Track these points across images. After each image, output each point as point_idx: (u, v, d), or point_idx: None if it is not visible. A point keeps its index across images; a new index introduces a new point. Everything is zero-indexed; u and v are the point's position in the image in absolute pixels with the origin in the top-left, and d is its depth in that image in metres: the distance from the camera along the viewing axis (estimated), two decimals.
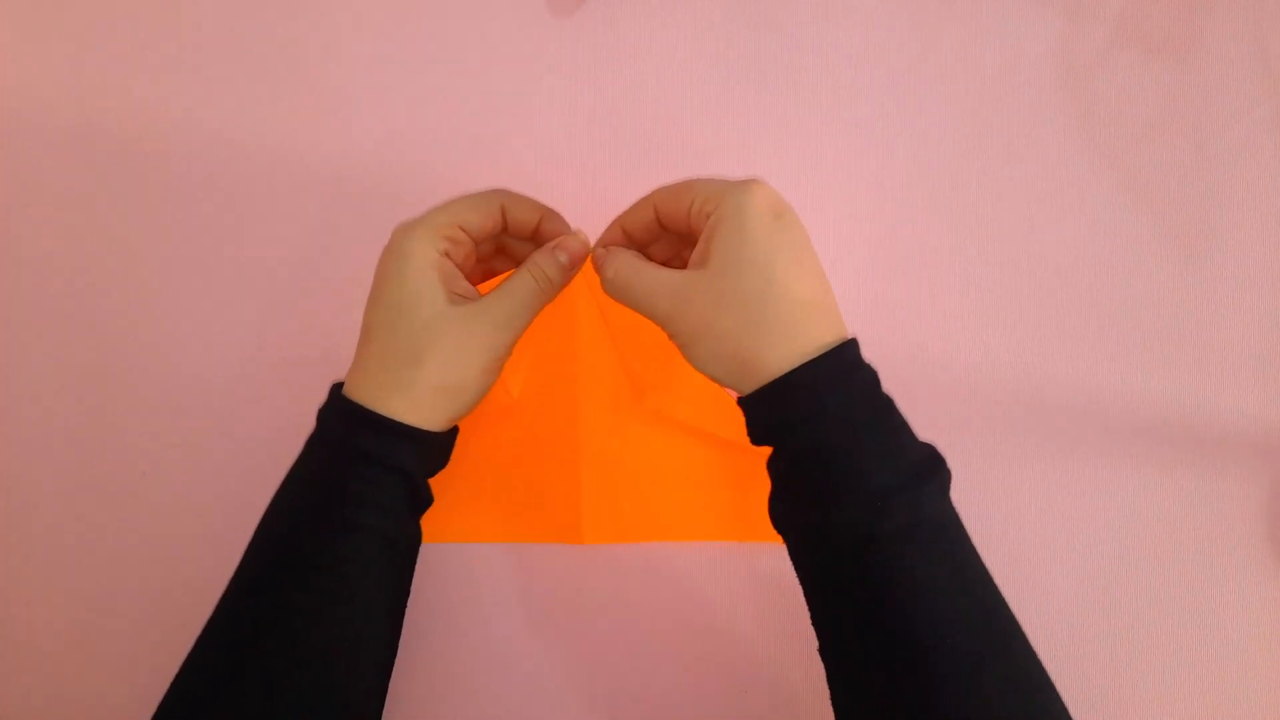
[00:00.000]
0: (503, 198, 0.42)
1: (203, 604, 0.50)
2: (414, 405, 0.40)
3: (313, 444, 0.42)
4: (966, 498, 0.50)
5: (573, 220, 0.50)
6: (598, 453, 0.49)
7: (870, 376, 0.38)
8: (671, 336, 0.40)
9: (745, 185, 0.38)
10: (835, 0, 0.51)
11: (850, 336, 0.38)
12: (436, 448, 0.42)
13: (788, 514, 0.39)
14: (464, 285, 0.42)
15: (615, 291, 0.41)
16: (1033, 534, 0.50)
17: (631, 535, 0.50)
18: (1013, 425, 0.50)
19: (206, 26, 0.52)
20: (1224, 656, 0.49)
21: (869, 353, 0.51)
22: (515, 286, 0.41)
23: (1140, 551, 0.50)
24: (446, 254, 0.41)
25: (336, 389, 0.42)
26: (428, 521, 0.47)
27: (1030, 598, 0.50)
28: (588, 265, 0.44)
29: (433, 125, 0.52)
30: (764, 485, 0.40)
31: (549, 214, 0.43)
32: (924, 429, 0.50)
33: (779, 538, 0.40)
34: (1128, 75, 0.51)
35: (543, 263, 0.42)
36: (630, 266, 0.41)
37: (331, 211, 0.52)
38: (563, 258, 0.42)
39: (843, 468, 0.36)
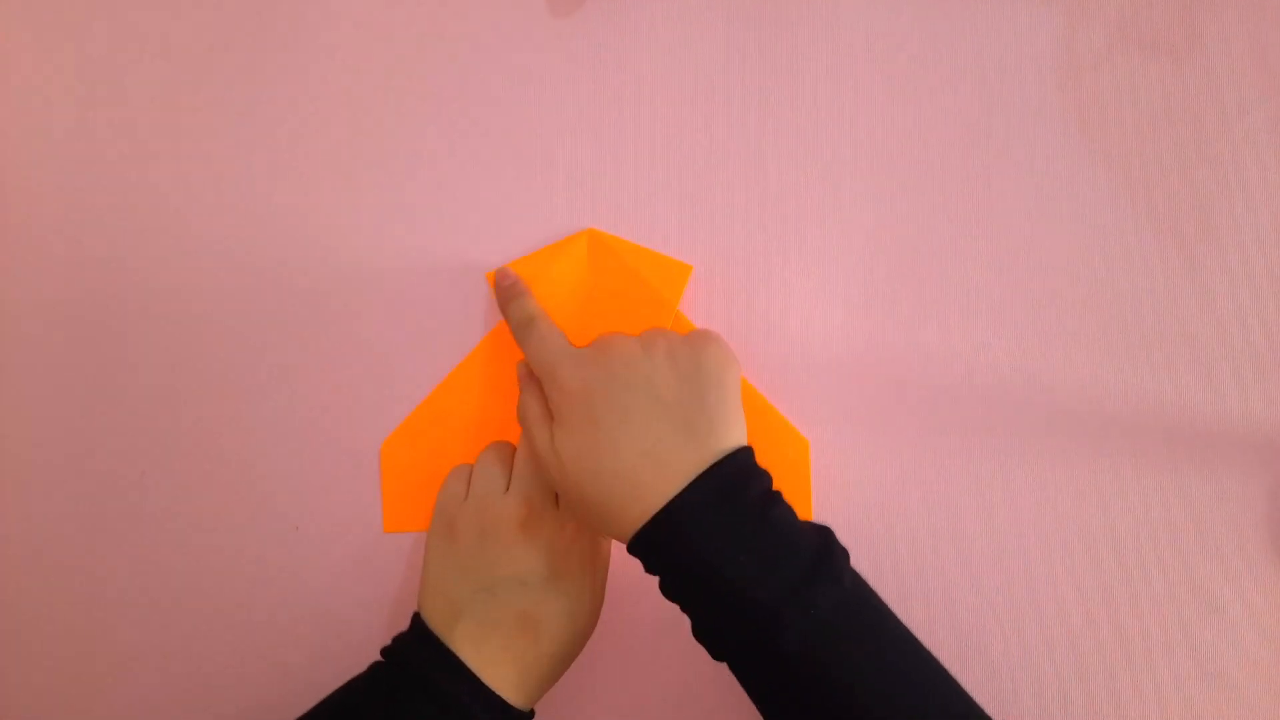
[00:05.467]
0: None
1: (201, 603, 0.51)
2: (538, 698, 0.43)
3: (446, 706, 0.41)
4: (967, 497, 0.50)
5: (569, 224, 0.51)
6: None
7: (738, 498, 0.38)
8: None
9: (555, 376, 0.42)
10: (836, 2, 0.51)
11: (684, 485, 0.38)
12: None
13: (711, 646, 0.39)
14: None
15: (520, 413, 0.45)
16: (1032, 534, 0.50)
17: None
18: (1012, 425, 0.50)
19: (199, 30, 0.52)
20: (1224, 657, 0.49)
21: (866, 351, 0.51)
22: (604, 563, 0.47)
23: (1140, 552, 0.50)
24: None
25: (438, 644, 0.42)
26: (427, 509, 0.48)
27: (1029, 598, 0.50)
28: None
29: (429, 125, 0.52)
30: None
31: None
32: (923, 429, 0.50)
33: None
34: (1128, 75, 0.51)
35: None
36: (527, 398, 0.44)
37: (324, 213, 0.52)
38: None
39: (729, 599, 0.37)
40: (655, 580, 0.40)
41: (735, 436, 0.40)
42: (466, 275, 0.51)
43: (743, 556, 0.37)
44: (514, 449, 0.48)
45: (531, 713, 0.43)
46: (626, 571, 0.50)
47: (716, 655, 0.39)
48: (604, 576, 0.46)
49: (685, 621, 0.50)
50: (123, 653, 0.51)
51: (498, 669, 0.41)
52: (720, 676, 0.50)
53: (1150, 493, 0.50)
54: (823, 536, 0.39)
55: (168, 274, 0.52)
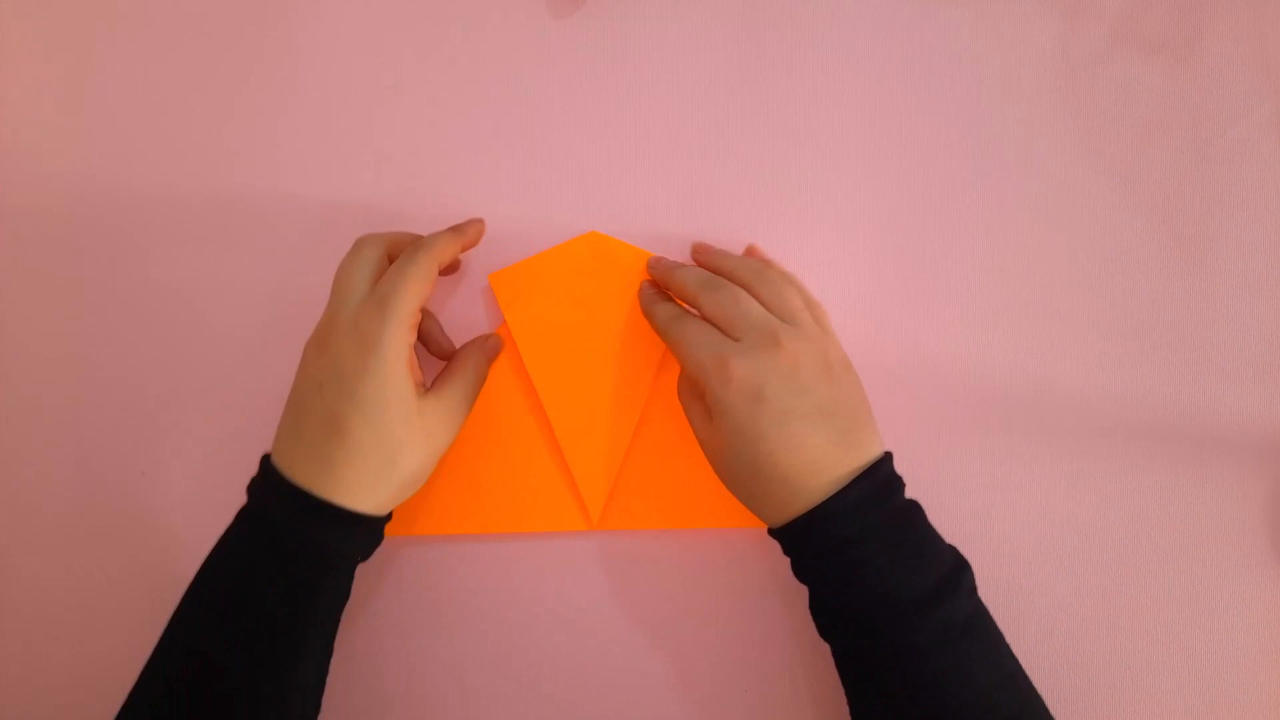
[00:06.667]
0: (434, 255, 0.44)
1: None
2: (385, 501, 0.42)
3: (275, 537, 0.42)
4: (967, 498, 0.50)
5: (571, 227, 0.51)
6: (606, 440, 0.49)
7: (886, 504, 0.41)
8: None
9: (723, 373, 0.42)
10: (835, 2, 0.52)
11: (846, 480, 0.41)
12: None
13: (826, 626, 0.43)
14: (418, 372, 0.44)
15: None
16: (1032, 534, 0.50)
17: (639, 522, 0.50)
18: (1013, 426, 0.50)
19: (197, 34, 0.52)
20: (1224, 657, 0.49)
21: (866, 351, 0.51)
22: (467, 375, 0.46)
23: (1139, 551, 0.50)
24: (409, 343, 0.42)
25: (272, 472, 0.42)
26: (428, 513, 0.49)
27: (1029, 597, 0.50)
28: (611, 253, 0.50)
29: (429, 126, 0.52)
30: None
31: (456, 239, 0.46)
32: (924, 430, 0.50)
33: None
34: (1127, 75, 0.51)
35: (483, 349, 0.48)
36: (685, 399, 0.46)
37: (329, 211, 0.52)
38: (493, 345, 0.49)
39: (870, 594, 0.40)
40: (653, 582, 0.40)
41: (878, 440, 0.43)
42: (468, 276, 0.51)
43: (891, 555, 0.40)
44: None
45: (381, 519, 0.43)
46: (629, 571, 0.50)
47: (827, 634, 0.43)
48: (456, 400, 0.45)
49: (683, 621, 0.50)
50: (122, 653, 0.51)
51: (306, 467, 0.41)
52: (717, 677, 0.50)
53: (1150, 493, 0.50)
54: (956, 552, 0.42)
55: (168, 274, 0.52)
